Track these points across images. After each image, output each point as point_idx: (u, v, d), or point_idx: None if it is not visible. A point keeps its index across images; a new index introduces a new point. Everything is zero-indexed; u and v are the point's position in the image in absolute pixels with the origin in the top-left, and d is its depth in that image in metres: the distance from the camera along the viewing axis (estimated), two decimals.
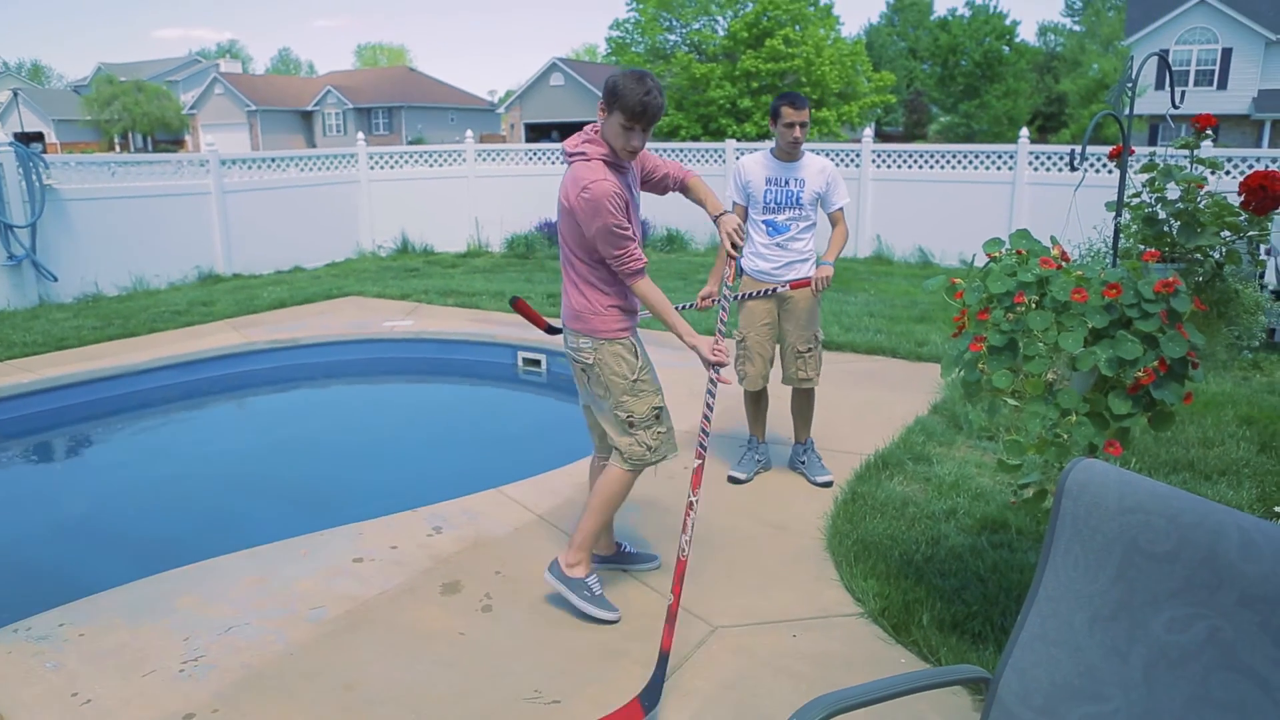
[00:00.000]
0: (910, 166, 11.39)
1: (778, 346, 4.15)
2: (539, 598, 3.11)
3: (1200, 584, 1.45)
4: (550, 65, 43.22)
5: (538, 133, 42.29)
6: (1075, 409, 2.43)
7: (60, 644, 2.80)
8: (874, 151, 11.48)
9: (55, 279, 8.68)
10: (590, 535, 2.98)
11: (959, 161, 11.13)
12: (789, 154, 3.93)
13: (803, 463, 4.23)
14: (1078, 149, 2.62)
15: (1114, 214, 2.71)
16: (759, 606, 3.06)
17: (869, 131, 12.02)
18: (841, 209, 4.01)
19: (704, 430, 2.83)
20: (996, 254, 2.68)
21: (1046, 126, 40.80)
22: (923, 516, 3.65)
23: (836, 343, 6.67)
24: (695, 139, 24.57)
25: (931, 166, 11.27)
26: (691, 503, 2.78)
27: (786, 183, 3.93)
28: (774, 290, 3.95)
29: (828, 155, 11.74)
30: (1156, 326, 2.34)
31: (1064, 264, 2.55)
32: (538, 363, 6.91)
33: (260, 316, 7.94)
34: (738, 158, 12.22)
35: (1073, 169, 2.57)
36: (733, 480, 4.15)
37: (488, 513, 3.81)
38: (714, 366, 2.84)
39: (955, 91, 42.18)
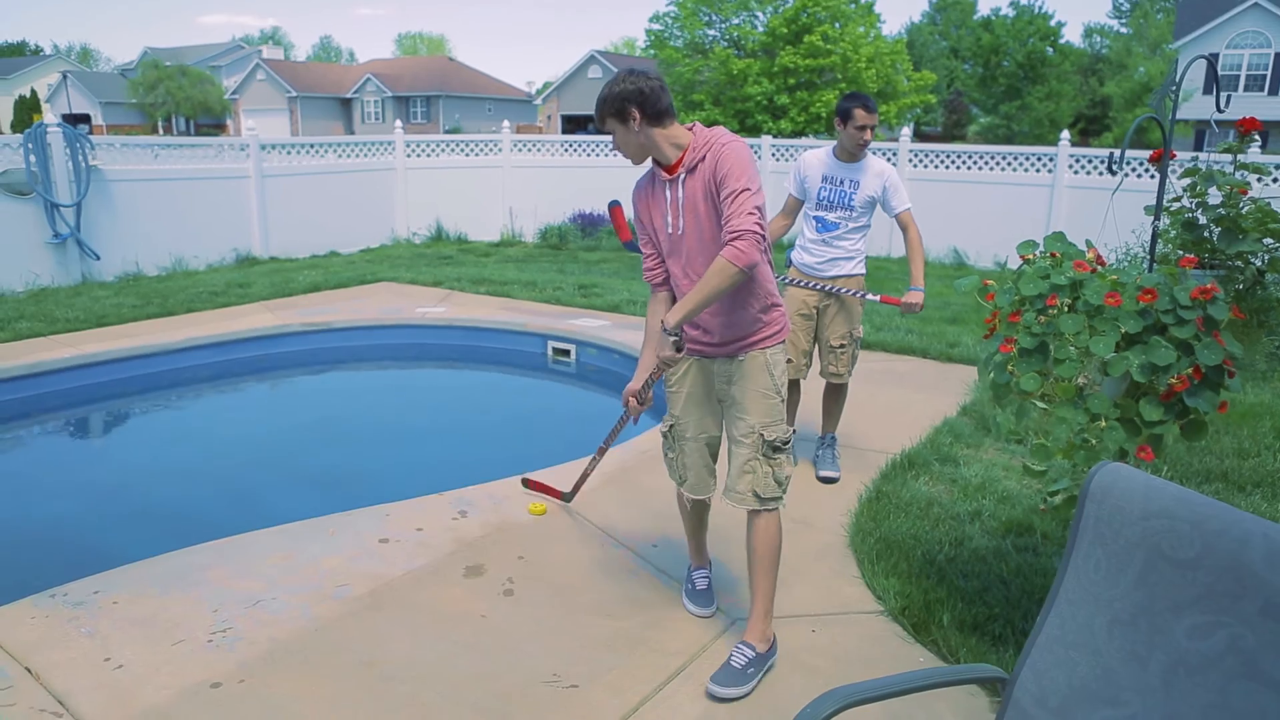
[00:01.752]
0: (948, 167, 11.28)
1: (816, 341, 4.21)
2: (560, 583, 3.14)
3: (1223, 592, 1.43)
4: (589, 57, 43.30)
5: (574, 124, 42.39)
6: (1105, 414, 2.41)
7: (95, 611, 2.87)
8: (911, 151, 11.39)
9: (98, 257, 8.87)
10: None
11: (998, 163, 11.00)
12: (852, 155, 3.95)
13: (818, 456, 4.27)
14: (1117, 152, 2.59)
15: (1152, 218, 2.67)
16: (778, 601, 3.04)
17: (906, 130, 11.89)
18: (909, 210, 4.01)
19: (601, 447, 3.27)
20: (1030, 256, 2.66)
21: (1089, 130, 40.09)
22: (947, 517, 3.63)
23: (867, 342, 6.61)
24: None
25: (969, 167, 11.16)
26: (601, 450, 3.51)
27: (841, 183, 3.95)
28: (846, 292, 4.07)
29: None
30: (1192, 333, 2.31)
31: (1099, 268, 2.52)
32: (567, 352, 6.95)
33: (295, 300, 8.05)
34: (774, 155, 12.21)
35: (1111, 173, 2.54)
36: None
37: (513, 498, 3.85)
38: (625, 406, 2.79)
39: (996, 92, 41.61)
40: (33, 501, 4.42)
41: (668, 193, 2.62)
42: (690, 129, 2.59)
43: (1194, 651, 1.46)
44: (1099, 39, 49.89)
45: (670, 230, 2.64)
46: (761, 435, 2.63)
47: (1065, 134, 10.83)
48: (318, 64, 63.61)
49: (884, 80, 26.34)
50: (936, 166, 11.33)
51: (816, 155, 4.03)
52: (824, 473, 4.16)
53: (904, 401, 5.30)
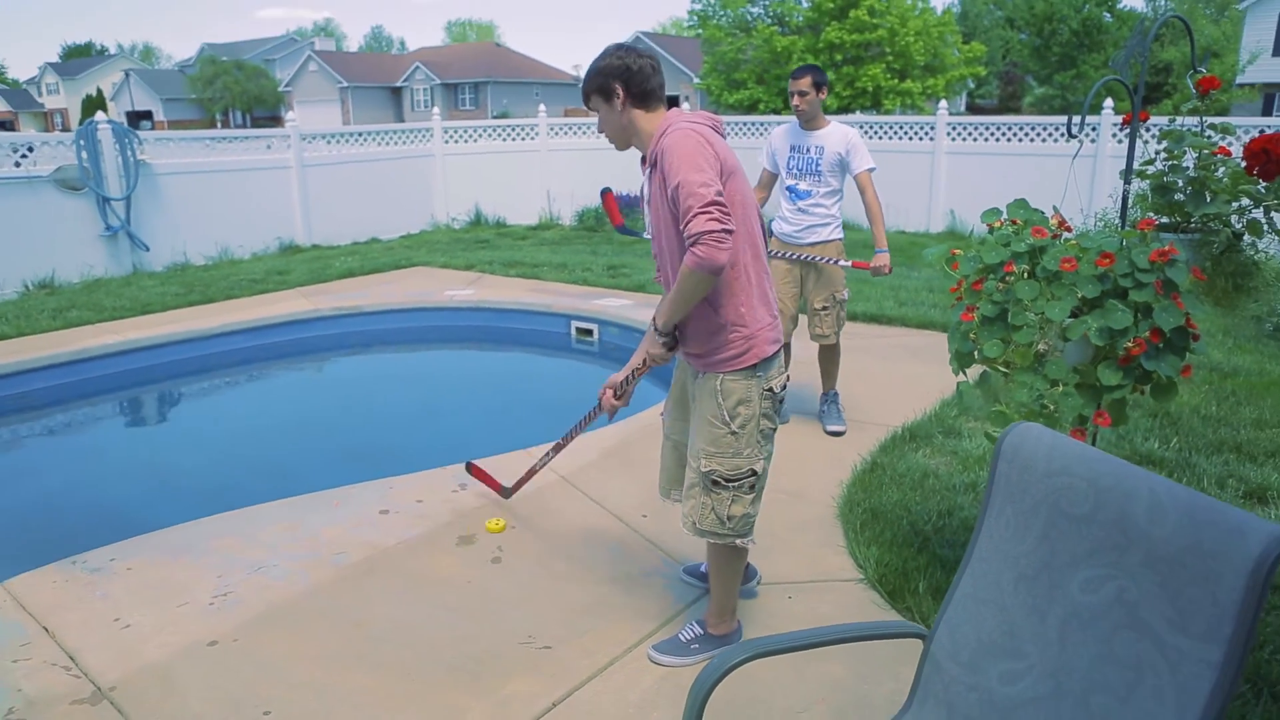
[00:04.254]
0: (987, 139, 11.04)
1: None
2: (548, 552, 3.24)
3: (1111, 545, 1.46)
4: (634, 39, 43.15)
5: None
6: (1064, 380, 2.41)
7: (110, 576, 3.07)
8: (949, 124, 11.18)
9: (148, 249, 9.23)
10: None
11: (1038, 134, 10.73)
12: (807, 122, 4.20)
13: (822, 412, 4.51)
14: (1077, 117, 2.57)
15: (1124, 182, 2.65)
16: (759, 569, 3.12)
17: (944, 104, 11.66)
18: (869, 172, 4.18)
19: (559, 443, 3.21)
20: (997, 224, 2.67)
21: (1149, 97, 38.54)
22: (941, 489, 3.64)
23: (888, 316, 6.60)
24: (775, 112, 24.21)
25: (1009, 140, 10.90)
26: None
27: (807, 150, 4.20)
28: (822, 260, 4.26)
29: (902, 129, 11.50)
30: (1150, 296, 2.29)
31: (1062, 234, 2.52)
32: (590, 332, 7.04)
33: (329, 285, 8.28)
34: None
35: (1070, 137, 2.52)
36: None
37: (511, 473, 3.94)
38: (600, 399, 2.76)
39: (1051, 62, 40.26)
40: (69, 477, 4.68)
41: (644, 188, 2.45)
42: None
43: (1086, 604, 1.49)
44: (1163, 2, 47.93)
45: (648, 230, 2.49)
46: (701, 464, 2.43)
47: (1109, 102, 10.52)
48: (368, 54, 64.61)
49: (931, 54, 25.76)
50: (975, 139, 11.11)
51: (783, 128, 4.31)
52: (831, 428, 4.39)
53: (917, 375, 5.27)
